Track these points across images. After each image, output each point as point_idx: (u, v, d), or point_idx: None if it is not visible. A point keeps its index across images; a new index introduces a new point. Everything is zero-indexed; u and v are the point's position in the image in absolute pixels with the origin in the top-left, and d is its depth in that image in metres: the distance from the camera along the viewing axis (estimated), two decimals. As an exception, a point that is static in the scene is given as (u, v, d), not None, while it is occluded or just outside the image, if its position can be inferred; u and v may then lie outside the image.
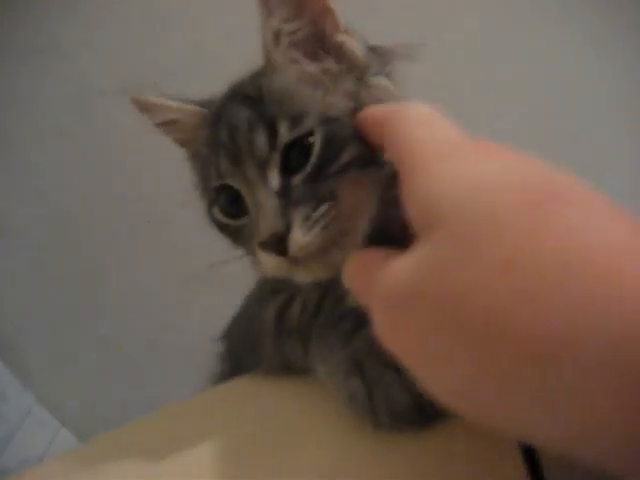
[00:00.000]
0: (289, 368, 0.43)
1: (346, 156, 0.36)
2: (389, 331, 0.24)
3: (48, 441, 1.21)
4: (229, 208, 0.40)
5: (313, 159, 0.36)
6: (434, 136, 0.26)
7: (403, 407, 0.32)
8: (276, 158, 0.36)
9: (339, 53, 0.40)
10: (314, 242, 0.34)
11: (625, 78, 1.09)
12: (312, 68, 0.39)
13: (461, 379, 0.21)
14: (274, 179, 0.36)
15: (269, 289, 0.45)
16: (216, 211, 0.41)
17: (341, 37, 0.40)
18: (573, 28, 1.05)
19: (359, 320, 0.37)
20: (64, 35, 0.94)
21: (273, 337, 0.43)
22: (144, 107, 0.45)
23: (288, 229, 0.34)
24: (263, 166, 0.37)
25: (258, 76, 0.40)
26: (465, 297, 0.20)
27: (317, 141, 0.36)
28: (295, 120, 0.36)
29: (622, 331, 0.16)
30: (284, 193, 0.36)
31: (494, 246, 0.20)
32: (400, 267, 0.23)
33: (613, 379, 0.16)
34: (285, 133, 0.36)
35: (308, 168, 0.36)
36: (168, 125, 0.45)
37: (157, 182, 1.04)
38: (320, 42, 0.40)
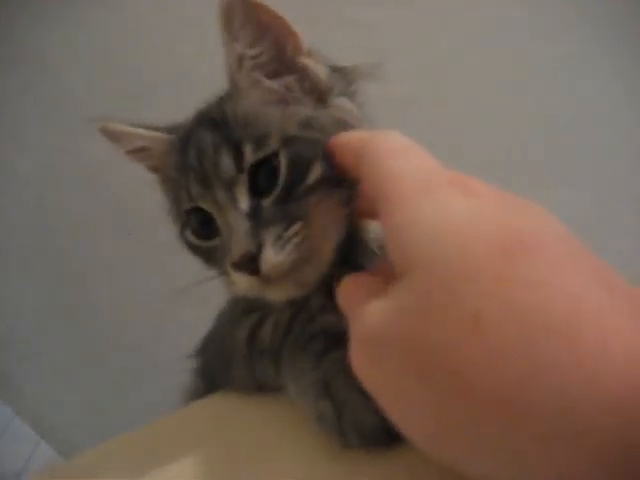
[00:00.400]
0: (261, 387, 0.43)
1: (313, 176, 0.37)
2: (361, 368, 0.24)
3: (27, 455, 1.19)
4: (201, 230, 0.41)
5: (281, 181, 0.37)
6: (410, 171, 0.26)
7: (371, 428, 0.33)
8: (243, 180, 0.37)
9: (302, 75, 0.41)
10: (286, 261, 0.35)
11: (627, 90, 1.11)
12: (274, 86, 0.40)
13: (426, 425, 0.21)
14: (243, 201, 0.37)
15: (241, 309, 0.46)
16: (188, 233, 0.42)
17: (304, 60, 0.41)
18: (571, 41, 1.06)
19: (330, 341, 0.37)
20: (48, 50, 0.94)
21: (245, 357, 0.43)
22: (113, 136, 0.46)
23: (260, 249, 0.35)
24: (231, 188, 0.37)
25: (223, 100, 0.41)
26: (432, 349, 0.20)
27: (282, 162, 0.37)
28: (259, 141, 0.37)
29: (580, 395, 0.17)
30: (254, 214, 0.37)
31: (461, 299, 0.20)
32: (376, 309, 0.23)
33: (571, 443, 0.17)
34: (250, 155, 0.37)
35: (277, 190, 0.37)
36: (138, 153, 0.46)
37: (138, 194, 1.04)
38: (283, 63, 0.41)
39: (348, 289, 0.29)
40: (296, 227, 0.35)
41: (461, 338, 0.19)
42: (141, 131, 0.45)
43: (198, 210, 0.40)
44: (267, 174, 0.37)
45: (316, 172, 0.36)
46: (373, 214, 0.34)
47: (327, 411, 0.35)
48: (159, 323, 1.16)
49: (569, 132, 1.15)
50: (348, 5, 0.93)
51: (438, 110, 1.04)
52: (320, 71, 0.41)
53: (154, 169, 0.47)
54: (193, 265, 0.44)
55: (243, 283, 0.37)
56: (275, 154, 0.37)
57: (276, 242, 0.35)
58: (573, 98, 1.12)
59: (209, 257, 0.41)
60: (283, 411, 0.41)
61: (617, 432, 0.16)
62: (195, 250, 0.42)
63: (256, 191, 0.37)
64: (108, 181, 1.05)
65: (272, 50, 0.40)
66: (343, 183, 0.36)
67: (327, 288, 0.40)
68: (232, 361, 0.45)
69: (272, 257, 0.35)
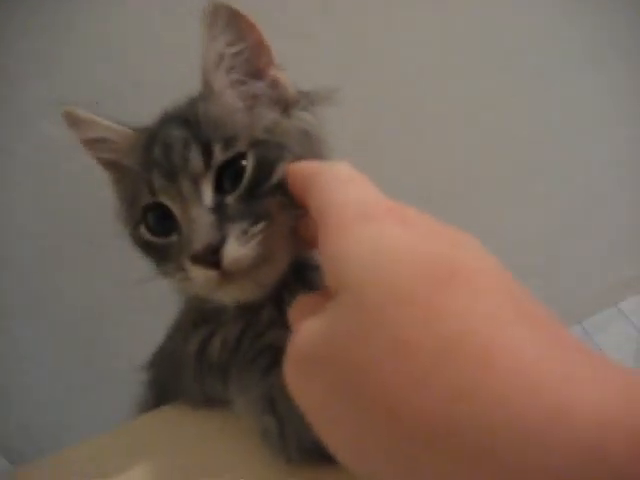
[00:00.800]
0: (210, 401, 0.44)
1: (276, 177, 0.38)
2: (291, 384, 0.24)
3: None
4: (157, 226, 0.40)
5: (245, 180, 0.38)
6: (351, 198, 0.27)
7: (312, 443, 0.33)
8: (210, 177, 0.38)
9: (271, 85, 0.43)
10: (248, 256, 0.36)
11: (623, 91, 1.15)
12: (246, 89, 0.42)
13: (350, 445, 0.22)
14: (208, 196, 0.38)
15: (191, 322, 0.46)
16: (143, 230, 0.41)
17: (275, 72, 0.43)
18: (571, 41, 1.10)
19: (276, 356, 0.38)
20: (39, 49, 0.92)
21: (194, 371, 0.43)
22: (74, 121, 0.45)
23: (222, 241, 0.35)
24: (197, 183, 0.38)
25: (194, 101, 0.42)
26: (355, 369, 0.20)
27: (249, 162, 0.38)
28: (228, 142, 0.38)
29: (494, 425, 0.17)
30: (218, 210, 0.37)
31: (386, 322, 0.20)
32: (309, 329, 0.24)
33: (489, 471, 0.17)
34: (219, 154, 0.38)
35: (242, 188, 0.38)
36: (96, 143, 0.45)
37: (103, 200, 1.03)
38: (255, 71, 0.42)
39: (296, 307, 0.30)
40: (261, 225, 0.36)
41: (383, 361, 0.20)
42: (107, 122, 0.45)
43: (157, 206, 0.39)
44: (232, 174, 0.38)
45: (279, 173, 0.37)
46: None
47: (271, 426, 0.36)
48: (113, 331, 1.14)
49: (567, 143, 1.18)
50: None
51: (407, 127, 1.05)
52: (289, 84, 0.43)
53: (108, 164, 0.46)
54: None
55: (201, 278, 0.36)
56: (242, 155, 0.38)
57: (240, 236, 0.36)
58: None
59: (163, 255, 0.40)
60: (231, 425, 0.42)
61: (535, 459, 0.16)
62: (148, 248, 0.42)
63: (220, 189, 0.38)
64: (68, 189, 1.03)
65: (247, 56, 0.42)
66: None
67: (277, 302, 0.41)
68: (182, 375, 0.45)
69: (235, 250, 0.35)
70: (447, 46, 1.04)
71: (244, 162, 0.38)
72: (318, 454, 0.34)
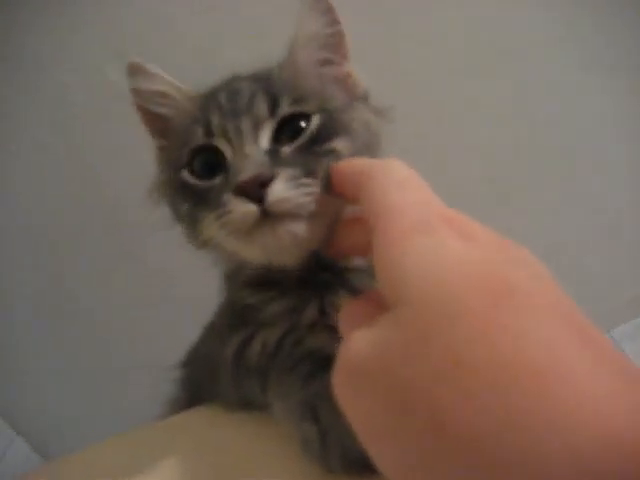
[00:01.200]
0: (247, 404, 0.43)
1: (334, 144, 0.39)
2: (340, 396, 0.24)
3: (2, 451, 1.17)
4: (202, 169, 0.41)
5: (305, 136, 0.39)
6: (409, 205, 0.26)
7: (355, 453, 0.33)
8: (272, 124, 0.39)
9: (346, 75, 0.46)
10: (293, 200, 0.35)
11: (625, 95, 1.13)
12: (325, 70, 0.45)
13: (394, 459, 0.21)
14: (265, 139, 0.39)
15: (230, 323, 0.45)
16: (185, 174, 0.42)
17: (349, 65, 0.46)
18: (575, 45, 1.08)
19: (317, 363, 0.38)
20: (43, 49, 0.93)
21: (232, 374, 0.43)
22: (137, 71, 0.46)
23: (271, 178, 0.35)
24: (257, 126, 0.39)
25: (268, 68, 0.45)
26: (409, 386, 0.20)
27: (313, 123, 0.40)
28: (297, 100, 0.40)
29: (549, 452, 0.17)
30: (272, 153, 0.38)
31: (443, 341, 0.20)
32: (361, 339, 0.23)
33: None
34: (285, 107, 0.40)
35: (299, 141, 0.39)
36: (156, 96, 0.46)
37: (131, 198, 1.03)
38: (336, 55, 0.46)
39: (345, 314, 0.29)
40: (310, 179, 0.36)
41: (440, 379, 0.19)
42: (170, 78, 0.46)
43: (207, 149, 0.40)
44: (292, 130, 0.39)
45: (339, 144, 0.38)
46: (365, 249, 0.34)
47: (311, 434, 0.35)
48: (146, 325, 1.15)
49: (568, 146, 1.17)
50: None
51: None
52: (359, 80, 0.46)
53: (156, 129, 0.47)
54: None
55: (241, 211, 0.36)
56: (307, 116, 0.40)
57: (289, 180, 0.36)
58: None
59: (201, 198, 0.40)
60: (268, 429, 0.41)
61: None
62: (187, 192, 0.42)
63: (278, 140, 0.39)
64: (98, 182, 1.04)
65: (334, 42, 0.45)
66: None
67: (319, 305, 0.42)
68: (218, 377, 0.45)
69: (281, 190, 0.35)
70: (453, 48, 1.04)
71: (303, 123, 0.40)
72: (361, 464, 0.33)
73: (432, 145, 1.03)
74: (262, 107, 0.39)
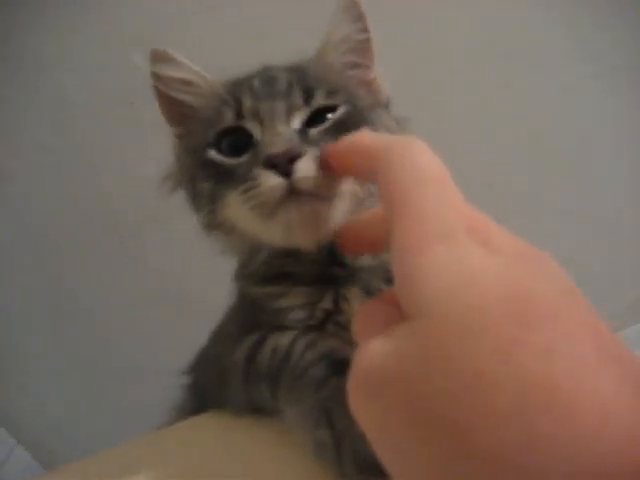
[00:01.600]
0: (257, 410, 0.43)
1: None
2: (355, 405, 0.23)
3: (2, 459, 1.16)
4: (228, 149, 0.42)
5: (332, 121, 0.42)
6: (431, 207, 0.24)
7: (370, 460, 0.32)
8: (306, 112, 0.42)
9: (371, 81, 0.49)
10: (319, 178, 0.37)
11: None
12: (353, 73, 0.48)
13: (408, 471, 0.21)
14: (297, 123, 0.41)
15: (240, 327, 0.45)
16: (213, 152, 0.43)
17: (375, 72, 0.49)
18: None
19: (331, 367, 0.37)
20: (43, 50, 0.93)
21: (242, 379, 0.42)
22: (163, 58, 0.47)
23: (300, 155, 0.37)
24: (291, 111, 0.41)
25: (301, 63, 0.47)
26: (428, 400, 0.20)
27: (340, 110, 0.43)
28: (330, 93, 0.43)
29: (575, 472, 0.16)
30: (302, 134, 0.40)
31: (465, 355, 0.19)
32: (378, 349, 0.22)
33: None
34: (320, 99, 0.43)
35: (326, 124, 0.42)
36: (180, 84, 0.47)
37: (131, 199, 1.03)
38: (363, 61, 0.48)
39: (361, 318, 0.28)
40: None
41: (461, 395, 0.19)
42: (196, 68, 0.47)
43: (235, 130, 0.42)
44: (322, 121, 0.42)
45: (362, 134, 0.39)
46: (380, 246, 0.33)
47: (326, 440, 0.35)
48: (146, 331, 1.14)
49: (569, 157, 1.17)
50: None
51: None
52: (383, 87, 0.49)
53: (176, 116, 0.48)
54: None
55: (268, 184, 0.37)
56: (334, 108, 0.43)
57: (316, 160, 0.37)
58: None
59: (227, 175, 0.41)
60: (279, 435, 0.41)
61: None
62: (211, 170, 0.43)
63: (308, 127, 0.42)
64: (99, 183, 1.04)
65: (363, 47, 0.48)
66: None
67: (332, 298, 0.42)
68: (228, 381, 0.44)
69: (309, 167, 0.36)
70: (452, 50, 1.05)
71: (330, 115, 0.42)
72: (375, 470, 0.32)
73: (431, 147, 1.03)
74: (298, 95, 0.42)
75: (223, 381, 0.45)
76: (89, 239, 1.08)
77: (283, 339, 0.41)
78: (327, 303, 0.42)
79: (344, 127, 0.41)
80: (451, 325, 0.20)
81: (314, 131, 0.41)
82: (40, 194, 1.04)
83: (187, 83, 0.47)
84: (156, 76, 0.47)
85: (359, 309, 0.29)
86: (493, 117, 1.11)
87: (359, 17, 0.46)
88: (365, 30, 0.47)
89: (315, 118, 0.42)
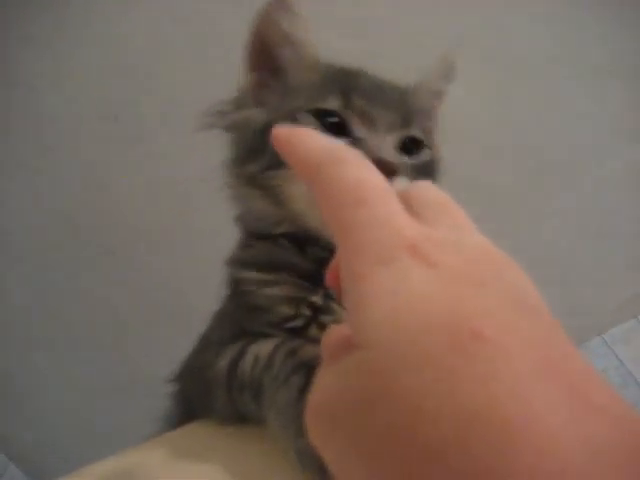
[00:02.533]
0: (242, 419, 0.43)
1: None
2: (311, 435, 0.22)
3: (-5, 477, 1.16)
4: (327, 128, 0.44)
5: (418, 158, 0.46)
6: (369, 228, 0.22)
7: None
8: (400, 135, 0.45)
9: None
10: None
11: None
12: (430, 123, 0.53)
13: None
14: (395, 139, 0.45)
15: (224, 334, 0.45)
16: (310, 119, 0.44)
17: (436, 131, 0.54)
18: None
19: (311, 376, 0.37)
20: (25, 65, 0.93)
21: (226, 387, 0.43)
22: (285, 7, 0.47)
23: (396, 172, 0.40)
24: (393, 127, 0.45)
25: (402, 88, 0.51)
26: (370, 436, 0.19)
27: (425, 152, 0.48)
28: (423, 131, 0.48)
29: None
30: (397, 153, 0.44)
31: (405, 391, 0.18)
32: (328, 380, 0.22)
33: None
34: (415, 130, 0.47)
35: (414, 160, 0.46)
36: (289, 41, 0.48)
37: (116, 213, 1.04)
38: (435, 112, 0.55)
39: (325, 341, 0.27)
40: None
41: (399, 430, 0.18)
42: (310, 35, 0.48)
43: (331, 115, 0.45)
44: (407, 150, 0.46)
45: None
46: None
47: (307, 448, 0.35)
48: (137, 345, 1.14)
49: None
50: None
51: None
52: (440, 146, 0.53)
53: (270, 60, 0.49)
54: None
55: None
56: (423, 146, 0.48)
57: (404, 182, 0.41)
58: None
59: None
60: (264, 443, 0.41)
61: None
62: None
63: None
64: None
65: (437, 107, 0.55)
66: None
67: (322, 294, 0.43)
68: (213, 391, 0.44)
69: (403, 185, 0.38)
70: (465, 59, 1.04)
71: (417, 150, 0.47)
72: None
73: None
74: (401, 116, 0.45)
75: (208, 390, 0.45)
76: (75, 254, 1.08)
77: (265, 347, 0.41)
78: (318, 298, 0.43)
79: (422, 169, 0.45)
80: (388, 357, 0.19)
81: (404, 158, 0.45)
82: (23, 210, 1.05)
83: (294, 43, 0.48)
84: (269, 20, 0.47)
85: (327, 333, 0.28)
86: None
87: (452, 79, 0.52)
88: (444, 95, 0.53)
89: (405, 145, 0.45)
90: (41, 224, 1.06)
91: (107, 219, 1.06)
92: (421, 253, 0.21)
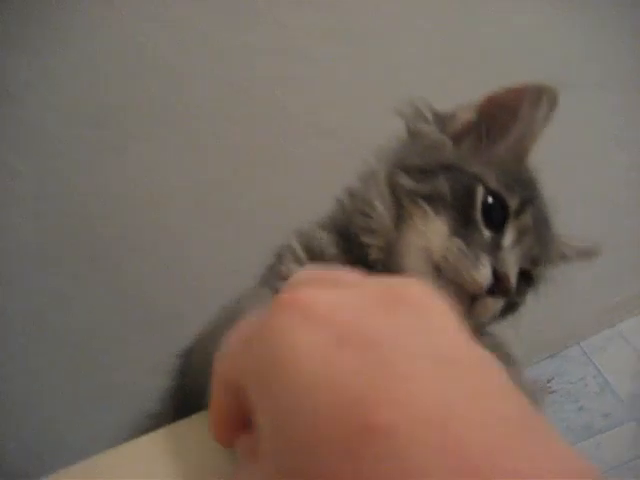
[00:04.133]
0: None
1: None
2: None
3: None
4: (488, 209, 0.47)
5: (520, 292, 0.51)
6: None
7: None
8: (528, 266, 0.51)
9: None
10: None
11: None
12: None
13: None
14: (520, 266, 0.48)
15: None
16: (481, 189, 0.47)
17: None
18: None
19: None
20: (12, 73, 0.93)
21: None
22: (553, 105, 0.49)
23: (508, 294, 0.45)
24: (527, 256, 0.49)
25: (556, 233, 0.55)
26: None
27: (531, 288, 0.54)
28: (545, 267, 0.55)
29: None
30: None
31: None
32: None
33: None
34: (541, 270, 0.54)
35: (523, 288, 0.52)
36: (530, 129, 0.51)
37: (108, 220, 1.03)
38: None
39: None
40: None
41: None
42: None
43: (498, 199, 0.47)
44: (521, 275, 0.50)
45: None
46: None
47: None
48: (125, 351, 1.14)
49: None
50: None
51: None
52: None
53: (501, 123, 0.51)
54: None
55: (482, 271, 0.43)
56: (533, 281, 0.54)
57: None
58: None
59: (463, 211, 0.46)
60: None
61: None
62: (463, 194, 0.47)
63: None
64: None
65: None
66: None
67: None
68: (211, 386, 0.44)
69: (496, 304, 0.47)
70: (453, 66, 1.07)
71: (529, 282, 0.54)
72: None
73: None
74: (538, 254, 0.50)
75: (207, 385, 0.44)
76: (67, 260, 1.07)
77: None
78: None
79: (509, 303, 0.49)
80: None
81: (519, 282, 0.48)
82: (13, 218, 1.04)
83: (532, 133, 0.51)
84: (533, 97, 0.49)
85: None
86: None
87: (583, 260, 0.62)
88: (565, 263, 0.60)
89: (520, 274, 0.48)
90: (27, 229, 1.05)
91: (93, 226, 1.06)
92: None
